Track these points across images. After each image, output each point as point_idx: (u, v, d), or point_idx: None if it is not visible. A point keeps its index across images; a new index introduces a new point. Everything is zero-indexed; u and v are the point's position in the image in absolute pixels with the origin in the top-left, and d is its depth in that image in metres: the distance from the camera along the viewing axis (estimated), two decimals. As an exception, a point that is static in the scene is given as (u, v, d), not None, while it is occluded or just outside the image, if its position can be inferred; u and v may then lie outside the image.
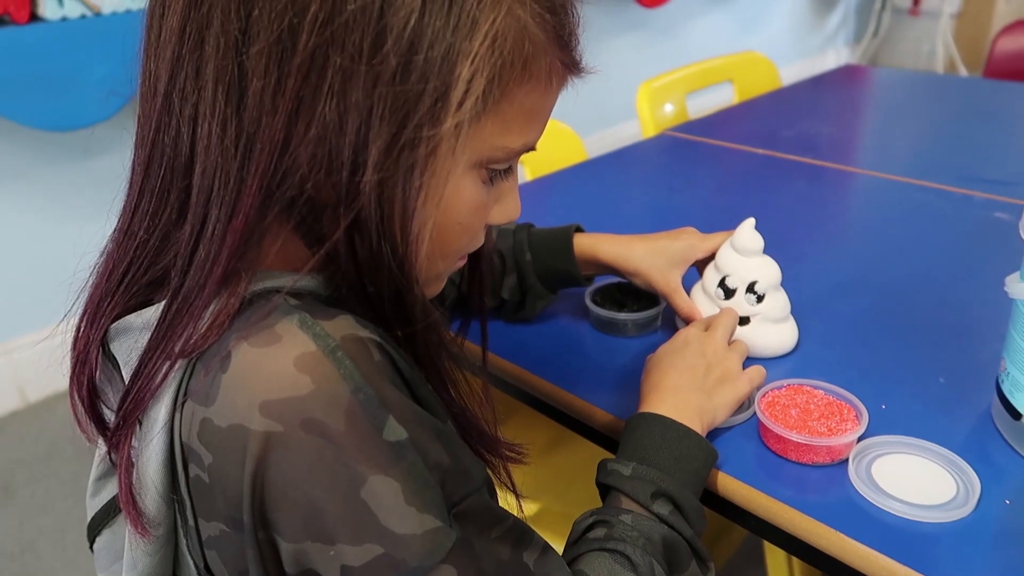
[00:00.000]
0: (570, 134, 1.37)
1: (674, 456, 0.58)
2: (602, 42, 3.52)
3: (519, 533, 0.47)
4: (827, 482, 0.61)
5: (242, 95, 0.41)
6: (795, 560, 0.91)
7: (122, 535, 0.50)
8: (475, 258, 0.63)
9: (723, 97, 1.78)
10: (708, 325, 0.71)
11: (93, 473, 0.55)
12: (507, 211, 0.53)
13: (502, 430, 1.13)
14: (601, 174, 1.29)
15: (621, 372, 0.76)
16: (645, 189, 1.25)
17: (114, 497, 0.53)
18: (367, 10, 0.40)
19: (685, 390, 0.63)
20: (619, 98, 2.47)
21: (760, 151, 1.35)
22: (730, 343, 0.71)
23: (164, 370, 0.43)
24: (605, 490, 0.59)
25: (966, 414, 0.66)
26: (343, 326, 0.42)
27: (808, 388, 0.67)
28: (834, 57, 5.25)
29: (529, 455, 0.58)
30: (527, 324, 0.83)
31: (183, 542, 0.47)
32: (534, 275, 0.79)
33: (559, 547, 0.99)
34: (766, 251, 0.75)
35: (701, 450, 0.59)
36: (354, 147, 0.41)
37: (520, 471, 1.12)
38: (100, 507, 0.54)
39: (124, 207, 0.48)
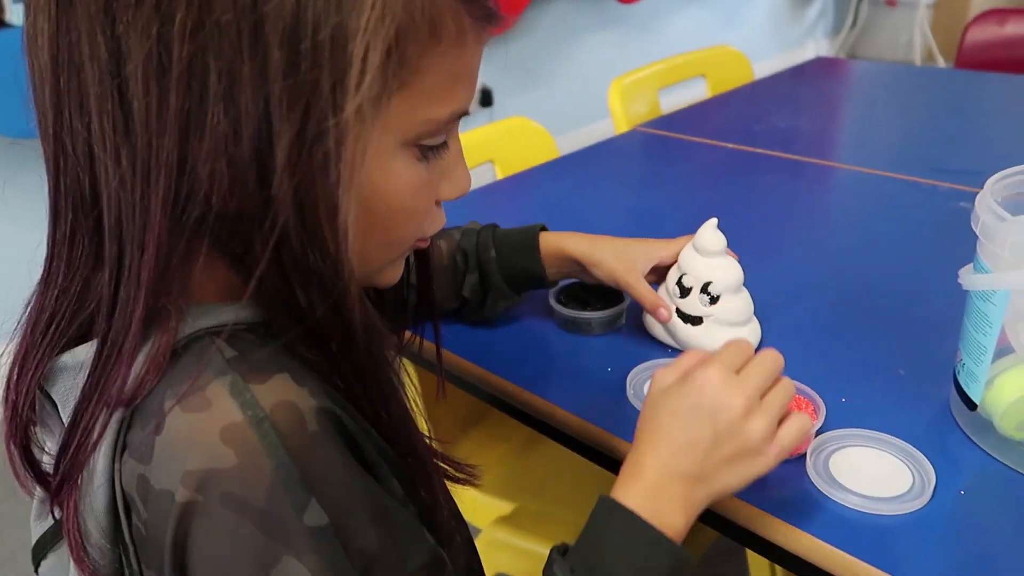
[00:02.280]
0: (542, 132, 1.37)
1: (634, 568, 0.49)
2: (578, 39, 3.52)
3: None
4: (786, 477, 0.61)
5: (128, 120, 0.39)
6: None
7: (67, 560, 0.49)
8: (422, 255, 0.61)
9: (697, 93, 1.78)
10: (731, 358, 0.54)
11: (37, 494, 0.54)
12: (457, 185, 0.50)
13: (474, 431, 1.12)
14: (572, 172, 1.29)
15: (587, 372, 0.75)
16: (616, 186, 1.25)
17: (59, 520, 0.52)
18: (239, 6, 0.37)
19: (671, 467, 0.51)
20: (595, 95, 2.47)
21: (731, 146, 1.35)
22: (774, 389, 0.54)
23: (101, 420, 0.42)
24: None
25: (925, 406, 0.66)
26: (277, 390, 0.40)
27: (767, 384, 0.66)
28: (813, 49, 5.27)
29: (479, 475, 0.55)
30: (490, 327, 0.83)
31: None
32: (498, 273, 0.78)
33: (535, 546, 0.99)
34: (735, 248, 0.75)
35: (670, 560, 0.49)
36: (257, 154, 0.39)
37: (496, 470, 1.12)
38: (45, 530, 0.53)
39: (46, 256, 0.46)
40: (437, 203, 0.51)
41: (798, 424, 0.53)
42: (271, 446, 0.39)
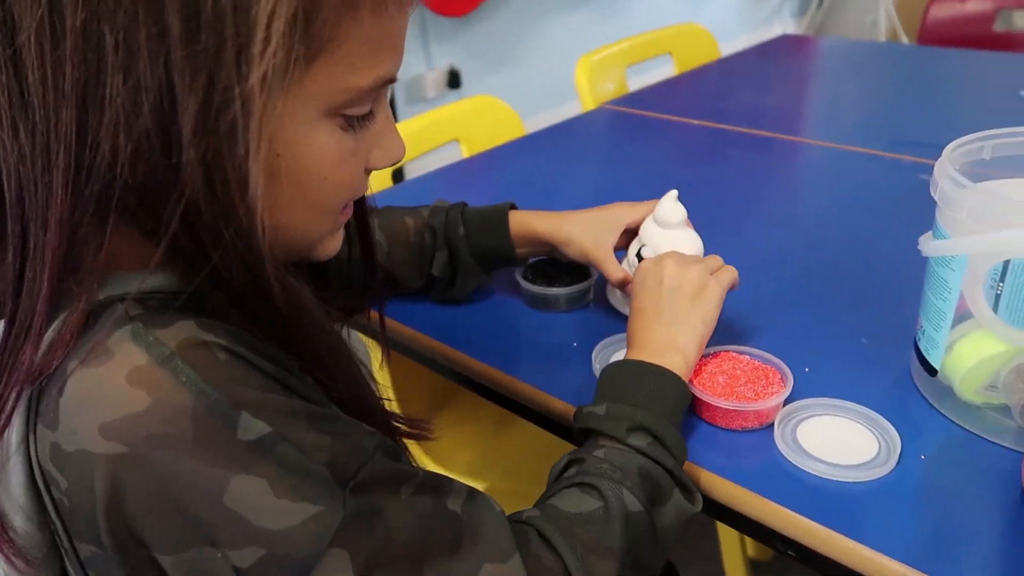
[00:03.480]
0: (508, 111, 1.35)
1: (647, 393, 0.57)
2: (545, 21, 3.49)
3: (435, 483, 0.46)
4: (755, 447, 0.61)
5: (24, 92, 0.38)
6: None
7: None
8: (362, 225, 0.59)
9: (665, 71, 1.77)
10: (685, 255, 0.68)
11: None
12: (389, 152, 0.49)
13: (446, 411, 1.12)
14: (539, 150, 1.28)
15: (554, 348, 0.75)
16: (583, 163, 1.24)
17: None
18: None
19: (651, 328, 0.62)
20: (563, 77, 2.46)
21: (697, 122, 1.35)
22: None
23: (12, 400, 0.40)
24: (583, 434, 0.58)
25: (888, 374, 0.67)
26: (181, 331, 0.39)
27: (734, 354, 0.67)
28: (780, 29, 5.30)
29: (434, 430, 0.56)
30: (457, 305, 0.82)
31: (67, 563, 0.45)
32: (467, 251, 0.77)
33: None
34: (701, 222, 0.75)
35: (673, 385, 0.58)
36: (160, 124, 0.37)
37: (468, 450, 1.12)
38: None
39: None
40: (366, 171, 0.49)
41: (728, 268, 0.67)
42: (188, 378, 0.38)
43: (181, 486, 0.38)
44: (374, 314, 0.67)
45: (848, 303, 0.78)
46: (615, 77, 1.62)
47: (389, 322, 0.78)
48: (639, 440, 0.54)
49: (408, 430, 0.54)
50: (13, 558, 0.42)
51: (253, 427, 0.39)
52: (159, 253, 0.40)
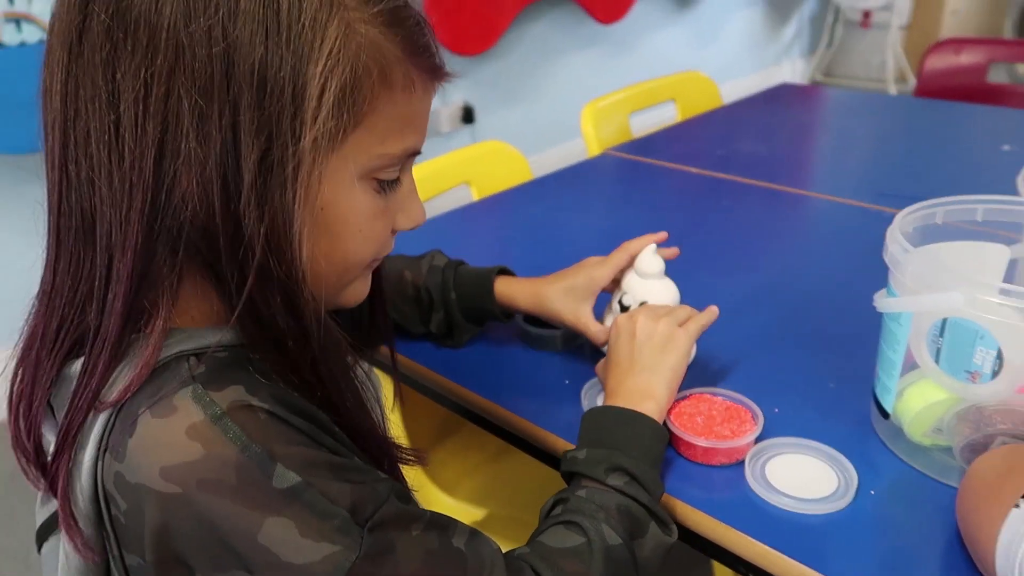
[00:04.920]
0: (517, 156, 1.44)
1: (624, 436, 0.64)
2: (557, 59, 3.58)
3: (442, 523, 0.52)
4: (728, 482, 0.68)
5: (121, 149, 0.46)
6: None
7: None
8: (374, 276, 0.66)
9: (668, 115, 1.86)
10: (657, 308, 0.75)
11: (42, 484, 0.60)
12: (412, 217, 0.57)
13: (451, 440, 1.18)
14: (545, 194, 1.36)
15: (551, 385, 0.82)
16: (587, 208, 1.32)
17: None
18: (211, 53, 0.44)
19: (626, 377, 0.69)
20: (572, 114, 2.54)
21: (694, 170, 1.43)
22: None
23: (88, 421, 0.48)
24: (568, 477, 0.65)
25: (850, 416, 0.74)
26: (231, 394, 0.47)
27: (709, 396, 0.74)
28: (789, 68, 5.37)
29: (430, 457, 0.63)
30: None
31: (113, 565, 0.52)
32: (459, 313, 0.85)
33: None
34: (685, 267, 0.81)
35: (648, 428, 0.65)
36: (223, 174, 0.46)
37: (468, 479, 1.18)
38: (48, 516, 0.59)
39: (45, 270, 0.52)
40: (392, 231, 0.57)
41: (696, 318, 0.74)
42: (232, 434, 0.45)
43: (223, 524, 0.45)
44: (385, 350, 0.74)
45: (820, 348, 0.85)
46: (619, 122, 1.70)
47: (400, 358, 0.86)
48: (617, 480, 0.61)
49: (405, 456, 0.61)
50: (82, 548, 0.50)
51: (286, 477, 0.46)
52: (233, 309, 0.48)
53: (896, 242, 0.62)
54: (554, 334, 0.86)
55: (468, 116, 3.23)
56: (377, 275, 0.67)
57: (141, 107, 0.45)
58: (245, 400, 0.47)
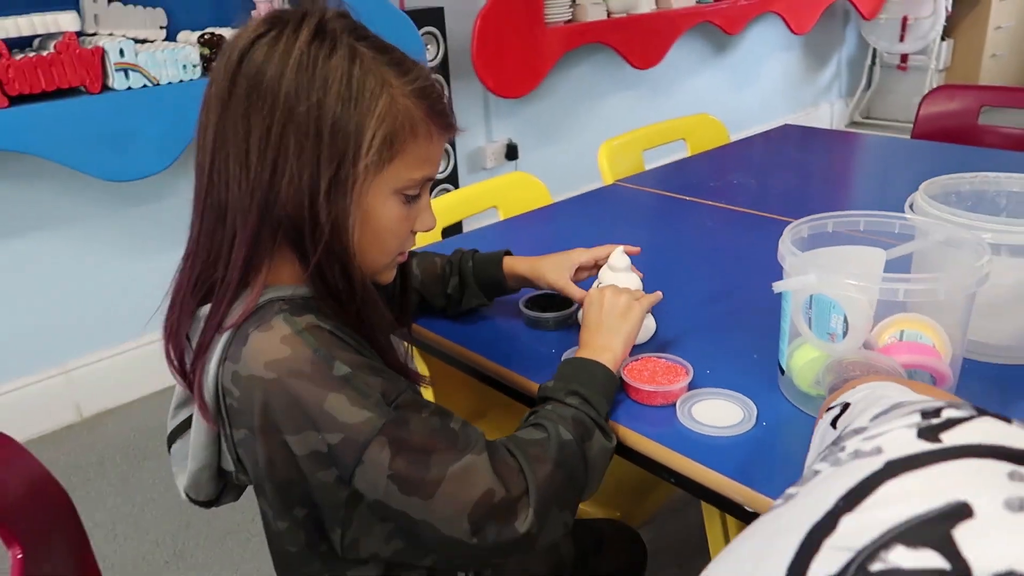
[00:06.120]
0: (538, 184, 1.70)
1: (584, 374, 0.87)
2: (596, 101, 3.79)
3: (443, 412, 0.77)
4: (665, 417, 0.91)
5: (248, 167, 0.72)
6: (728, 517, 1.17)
7: (187, 444, 0.81)
8: (403, 269, 0.92)
9: (681, 152, 2.10)
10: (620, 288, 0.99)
11: (173, 403, 0.88)
12: (425, 222, 0.83)
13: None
14: (560, 216, 1.62)
15: (544, 354, 1.07)
16: (595, 228, 1.57)
17: (188, 418, 0.85)
18: (308, 111, 0.70)
19: (593, 336, 0.93)
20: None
21: (687, 198, 1.68)
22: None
23: (213, 339, 0.75)
24: (541, 400, 0.87)
25: (764, 376, 0.97)
26: (306, 319, 0.73)
27: (655, 358, 0.98)
28: (828, 110, 5.42)
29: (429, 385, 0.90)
30: (471, 321, 1.15)
31: (224, 445, 0.78)
32: (472, 279, 1.11)
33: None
34: (660, 271, 1.05)
35: (602, 370, 0.88)
36: (310, 186, 0.72)
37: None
38: (176, 424, 0.87)
39: (189, 241, 0.79)
40: (412, 232, 0.83)
41: (652, 294, 0.99)
42: (308, 342, 0.71)
43: (301, 397, 0.71)
44: (415, 328, 1.01)
45: (752, 331, 1.07)
46: (633, 158, 1.95)
47: (431, 335, 1.12)
48: (573, 400, 0.85)
49: (417, 379, 0.86)
50: (209, 420, 0.76)
51: (341, 369, 0.71)
52: (308, 273, 0.75)
53: (785, 244, 0.86)
54: (547, 318, 1.11)
55: (512, 153, 3.49)
56: (405, 268, 0.94)
57: (263, 142, 0.72)
58: (316, 322, 0.73)
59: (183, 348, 0.79)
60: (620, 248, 1.04)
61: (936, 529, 0.40)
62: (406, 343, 0.96)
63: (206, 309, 0.77)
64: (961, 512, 0.41)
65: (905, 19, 4.93)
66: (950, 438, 0.49)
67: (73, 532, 0.89)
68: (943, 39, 5.07)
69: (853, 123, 5.54)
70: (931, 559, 0.38)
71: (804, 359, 0.87)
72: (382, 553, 0.77)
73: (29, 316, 2.37)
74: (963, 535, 0.39)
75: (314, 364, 0.71)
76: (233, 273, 0.75)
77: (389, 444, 0.71)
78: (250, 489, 0.84)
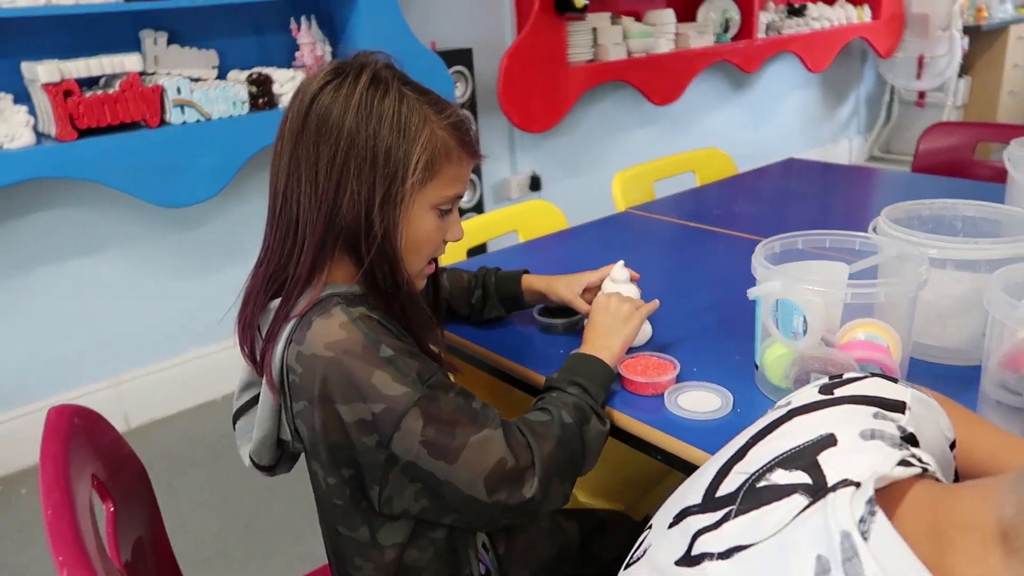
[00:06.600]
0: (554, 210, 1.86)
1: (585, 368, 1.02)
2: (617, 135, 3.93)
3: (467, 393, 0.92)
4: (655, 405, 1.06)
5: (316, 185, 0.88)
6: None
7: (251, 421, 0.98)
8: (435, 277, 1.08)
9: (690, 183, 2.25)
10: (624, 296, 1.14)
11: (236, 388, 1.04)
12: (455, 232, 0.98)
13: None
14: (572, 240, 1.78)
15: (554, 355, 1.22)
16: (606, 250, 1.73)
17: (250, 399, 1.02)
18: (367, 141, 0.86)
19: (596, 336, 1.07)
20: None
21: (692, 224, 1.83)
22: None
23: (280, 327, 0.91)
24: (546, 390, 1.01)
25: (743, 372, 1.11)
26: (359, 310, 0.88)
27: (648, 356, 1.13)
28: (847, 145, 5.49)
29: (461, 369, 1.06)
30: (491, 329, 1.31)
31: (284, 418, 0.94)
32: (493, 289, 1.27)
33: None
34: (661, 285, 1.19)
35: (600, 365, 1.03)
36: (366, 199, 0.88)
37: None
38: (240, 404, 1.03)
39: (263, 249, 0.95)
40: (444, 241, 0.99)
41: (652, 302, 1.14)
42: (361, 329, 0.87)
43: (353, 372, 0.86)
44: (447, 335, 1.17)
45: (737, 336, 1.22)
46: (644, 188, 2.11)
47: (459, 339, 1.29)
48: (573, 389, 1.00)
49: (449, 365, 1.02)
50: (275, 392, 0.92)
51: (386, 351, 0.87)
52: (360, 274, 0.91)
53: (757, 258, 1.01)
54: (557, 323, 1.27)
55: (535, 184, 3.65)
56: (436, 278, 1.10)
57: (330, 167, 0.89)
58: (366, 313, 0.90)
59: (254, 337, 0.96)
60: (621, 263, 1.20)
61: (807, 455, 0.55)
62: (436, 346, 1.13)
63: (275, 303, 0.93)
64: (828, 442, 0.56)
65: (921, 57, 5.05)
66: (841, 391, 0.64)
67: (148, 501, 1.05)
68: (960, 76, 5.17)
69: (872, 158, 5.63)
70: (799, 477, 0.54)
71: (774, 355, 1.01)
72: (412, 510, 0.92)
73: (85, 332, 2.55)
74: (825, 458, 0.54)
75: (365, 346, 0.87)
76: (302, 272, 0.91)
77: (422, 415, 0.86)
78: (292, 479, 0.98)
